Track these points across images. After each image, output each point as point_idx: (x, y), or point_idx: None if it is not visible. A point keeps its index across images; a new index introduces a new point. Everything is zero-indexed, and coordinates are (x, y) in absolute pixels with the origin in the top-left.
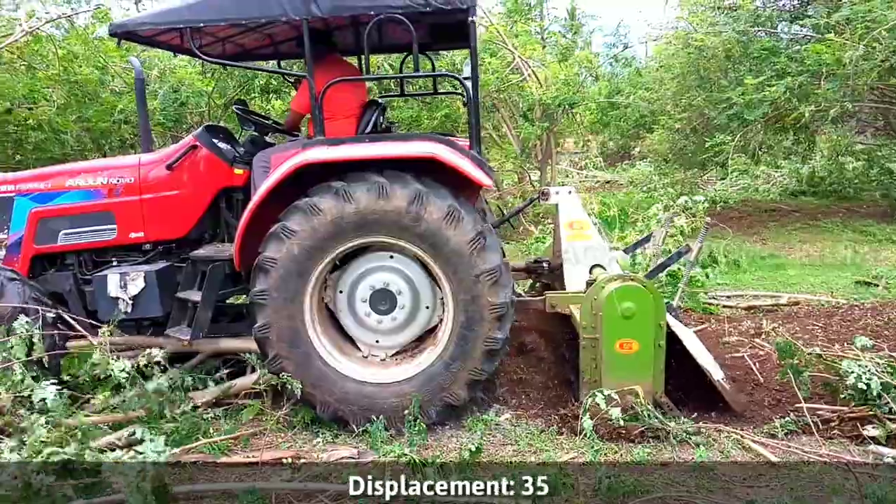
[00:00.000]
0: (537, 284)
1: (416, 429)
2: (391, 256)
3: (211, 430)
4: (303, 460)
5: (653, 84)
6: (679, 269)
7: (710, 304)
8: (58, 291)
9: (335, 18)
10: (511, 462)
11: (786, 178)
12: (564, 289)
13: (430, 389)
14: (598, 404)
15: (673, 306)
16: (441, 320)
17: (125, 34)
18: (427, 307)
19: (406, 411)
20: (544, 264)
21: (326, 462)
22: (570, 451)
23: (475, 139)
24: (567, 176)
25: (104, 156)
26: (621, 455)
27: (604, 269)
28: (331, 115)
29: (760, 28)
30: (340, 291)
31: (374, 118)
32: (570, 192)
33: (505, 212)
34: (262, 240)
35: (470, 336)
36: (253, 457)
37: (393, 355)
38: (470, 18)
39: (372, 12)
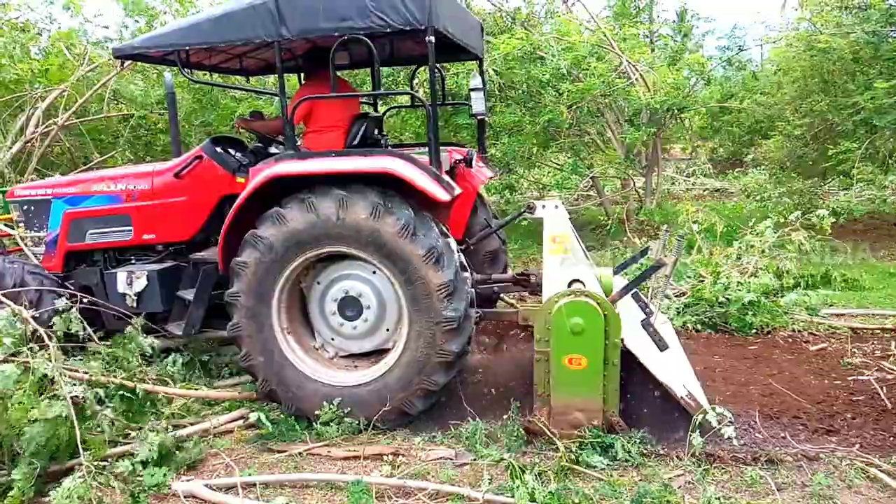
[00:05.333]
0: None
1: (515, 434)
2: (318, 283)
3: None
4: (402, 458)
5: (769, 88)
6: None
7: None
8: (87, 285)
9: (304, 39)
10: (611, 475)
11: None
12: None
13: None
14: (710, 422)
15: (650, 322)
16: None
17: (125, 56)
18: (374, 272)
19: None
20: (531, 277)
21: (424, 460)
22: (675, 469)
23: (434, 155)
24: (673, 183)
25: None
26: (731, 477)
27: (583, 284)
28: (319, 127)
29: (894, 28)
30: (332, 339)
31: (362, 131)
32: (556, 207)
33: (510, 217)
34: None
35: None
36: (355, 451)
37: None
38: (427, 38)
39: (336, 33)
